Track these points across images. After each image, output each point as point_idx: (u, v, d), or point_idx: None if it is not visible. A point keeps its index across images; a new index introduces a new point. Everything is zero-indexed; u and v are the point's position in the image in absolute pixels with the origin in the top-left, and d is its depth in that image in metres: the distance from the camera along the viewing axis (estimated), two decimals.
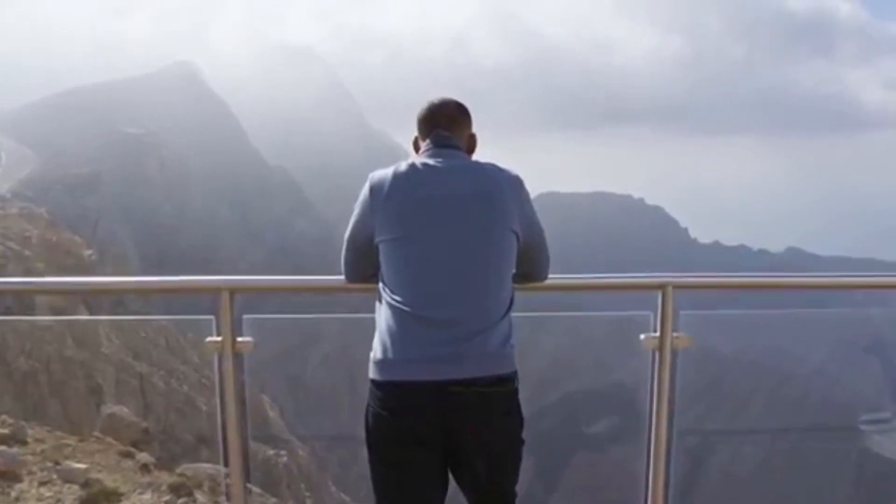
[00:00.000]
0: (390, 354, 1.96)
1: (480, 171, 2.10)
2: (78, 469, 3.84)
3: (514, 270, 2.08)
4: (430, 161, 2.09)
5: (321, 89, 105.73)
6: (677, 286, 2.61)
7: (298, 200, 65.02)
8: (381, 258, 2.07)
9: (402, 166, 2.09)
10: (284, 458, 12.75)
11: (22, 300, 12.64)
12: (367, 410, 2.02)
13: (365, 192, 2.10)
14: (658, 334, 2.60)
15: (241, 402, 2.57)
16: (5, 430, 4.37)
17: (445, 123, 2.16)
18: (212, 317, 2.53)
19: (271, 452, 12.47)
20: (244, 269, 53.30)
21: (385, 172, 2.10)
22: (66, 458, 4.24)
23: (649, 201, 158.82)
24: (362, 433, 2.05)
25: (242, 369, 2.58)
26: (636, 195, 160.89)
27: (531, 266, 2.22)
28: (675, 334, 2.60)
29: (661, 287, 2.59)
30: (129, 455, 4.81)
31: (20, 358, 10.37)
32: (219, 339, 2.51)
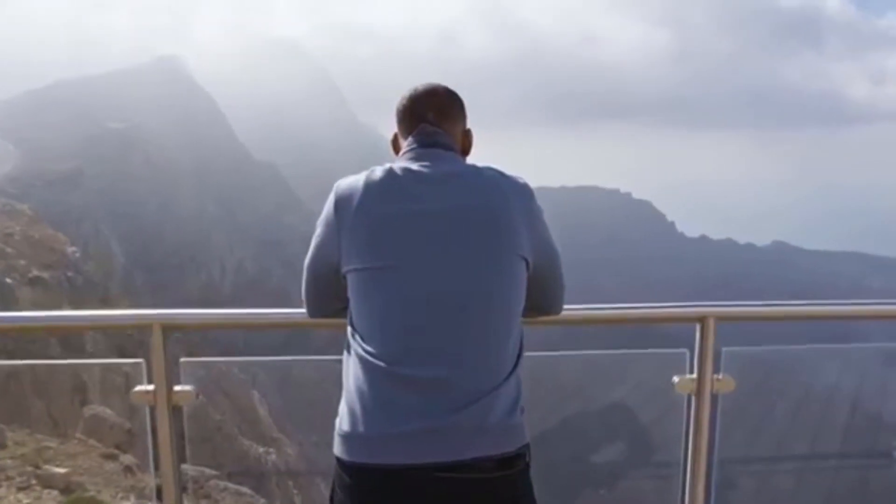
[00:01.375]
0: (360, 427, 1.47)
1: (480, 179, 1.61)
2: (58, 473, 3.74)
3: (522, 306, 1.63)
4: (414, 165, 1.62)
5: (308, 83, 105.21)
6: (721, 318, 2.20)
7: (286, 195, 64.71)
8: (350, 294, 1.59)
9: (377, 172, 1.61)
10: (273, 456, 12.70)
11: (5, 296, 12.47)
12: (331, 495, 1.56)
13: (328, 206, 1.63)
14: (696, 376, 2.19)
15: (179, 460, 2.16)
16: None
17: (434, 116, 1.70)
18: (142, 360, 2.11)
19: (261, 450, 12.41)
20: (231, 266, 53.06)
21: (354, 181, 1.62)
22: (47, 461, 4.13)
23: (637, 196, 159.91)
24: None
25: (181, 422, 2.15)
26: (623, 189, 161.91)
27: (542, 298, 1.74)
28: (716, 376, 2.20)
29: (701, 319, 2.17)
30: (112, 457, 4.71)
31: (2, 357, 10.20)
32: (150, 387, 2.07)
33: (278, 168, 67.26)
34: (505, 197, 1.60)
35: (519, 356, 1.57)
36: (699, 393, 2.20)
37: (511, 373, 1.53)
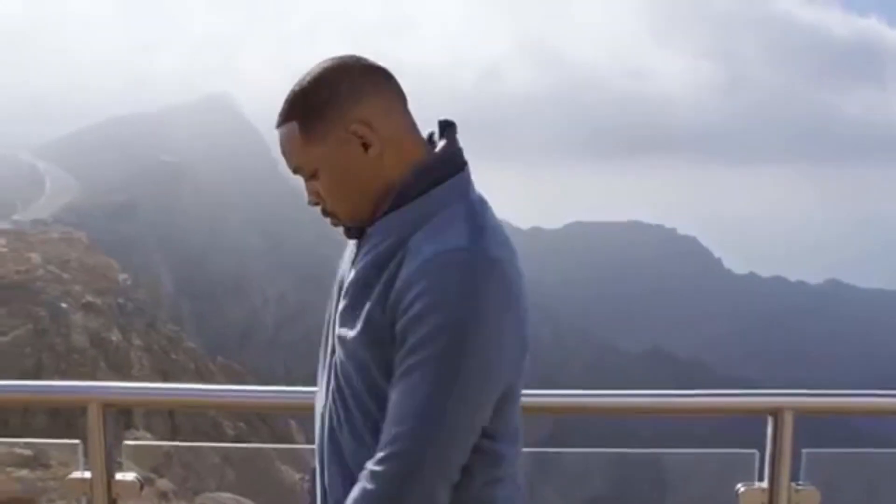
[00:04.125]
0: None
1: None
2: None
3: None
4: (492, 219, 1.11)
5: None
6: (800, 411, 1.76)
7: (327, 227, 65.69)
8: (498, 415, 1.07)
9: (500, 232, 1.07)
10: (307, 484, 12.67)
11: (59, 320, 12.94)
12: None
13: (504, 291, 1.02)
14: (767, 485, 1.75)
15: None
16: (29, 452, 4.16)
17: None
18: (78, 441, 1.78)
19: (297, 477, 12.40)
20: (273, 296, 53.94)
21: (503, 247, 1.05)
22: None
23: (682, 231, 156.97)
24: None
25: None
26: (668, 225, 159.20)
27: None
28: (795, 486, 1.75)
29: (774, 412, 1.75)
30: (148, 482, 4.69)
31: (55, 377, 10.53)
32: (86, 475, 1.73)
33: None
34: None
35: None
36: None
37: None
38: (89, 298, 14.44)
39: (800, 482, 1.77)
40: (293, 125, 1.09)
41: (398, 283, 1.01)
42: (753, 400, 1.88)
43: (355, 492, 1.02)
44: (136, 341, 14.51)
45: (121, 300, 15.96)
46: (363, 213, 1.11)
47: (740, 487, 1.78)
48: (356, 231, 1.16)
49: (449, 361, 0.97)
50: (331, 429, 1.13)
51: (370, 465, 1.01)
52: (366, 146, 1.08)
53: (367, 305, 1.04)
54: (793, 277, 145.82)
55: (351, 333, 1.06)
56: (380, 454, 1.00)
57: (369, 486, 1.00)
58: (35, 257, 15.72)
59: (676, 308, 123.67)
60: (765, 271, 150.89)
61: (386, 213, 1.09)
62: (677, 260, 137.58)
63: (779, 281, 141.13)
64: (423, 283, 0.98)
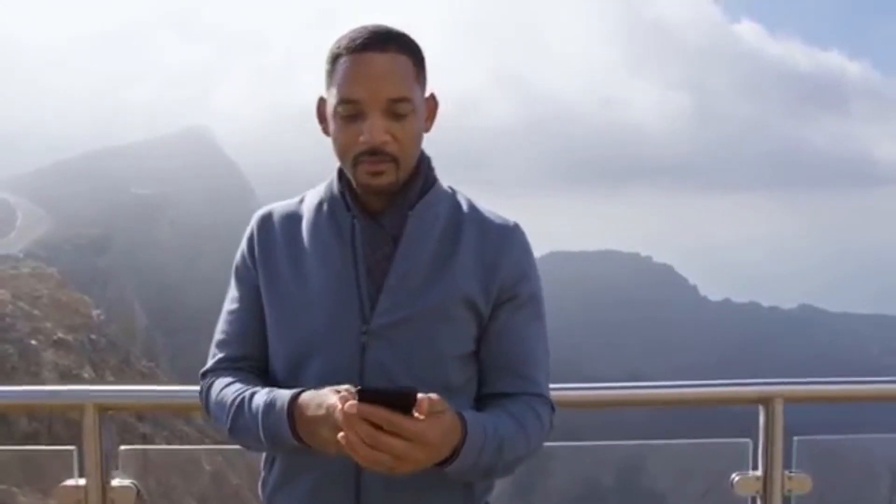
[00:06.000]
0: None
1: None
2: None
3: None
4: None
5: (330, 151, 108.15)
6: (791, 399, 1.80)
7: None
8: None
9: None
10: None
11: (28, 358, 12.65)
12: None
13: None
14: (761, 473, 1.79)
15: None
16: None
17: None
18: (73, 447, 1.74)
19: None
20: None
21: None
22: None
23: (657, 259, 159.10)
24: None
25: None
26: (644, 253, 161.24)
27: None
28: (788, 473, 1.79)
29: (765, 401, 1.79)
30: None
31: (22, 418, 10.25)
32: (81, 482, 1.71)
33: None
34: None
35: None
36: (767, 494, 1.79)
37: None
38: (60, 335, 14.16)
39: (792, 469, 1.81)
40: (407, 59, 1.07)
41: (490, 253, 1.13)
42: (744, 389, 1.91)
43: (528, 422, 1.10)
44: (109, 378, 14.23)
45: (93, 336, 15.66)
46: (406, 176, 1.12)
47: (735, 476, 1.81)
48: (376, 197, 1.13)
49: (543, 314, 1.19)
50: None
51: (534, 403, 1.12)
52: (430, 117, 1.16)
53: (454, 272, 1.11)
54: (766, 303, 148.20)
55: (433, 298, 1.09)
56: (536, 395, 1.14)
57: (538, 424, 1.12)
58: (4, 294, 15.40)
59: (653, 336, 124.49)
60: (739, 297, 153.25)
61: (404, 191, 1.13)
62: (653, 288, 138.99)
63: (753, 307, 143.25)
64: (517, 251, 1.15)
